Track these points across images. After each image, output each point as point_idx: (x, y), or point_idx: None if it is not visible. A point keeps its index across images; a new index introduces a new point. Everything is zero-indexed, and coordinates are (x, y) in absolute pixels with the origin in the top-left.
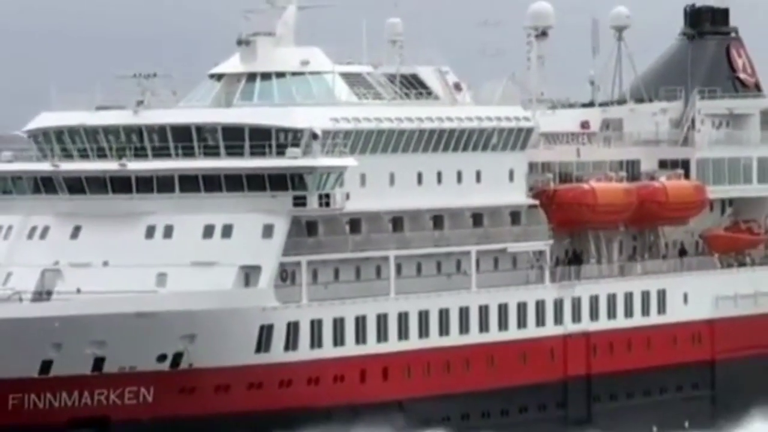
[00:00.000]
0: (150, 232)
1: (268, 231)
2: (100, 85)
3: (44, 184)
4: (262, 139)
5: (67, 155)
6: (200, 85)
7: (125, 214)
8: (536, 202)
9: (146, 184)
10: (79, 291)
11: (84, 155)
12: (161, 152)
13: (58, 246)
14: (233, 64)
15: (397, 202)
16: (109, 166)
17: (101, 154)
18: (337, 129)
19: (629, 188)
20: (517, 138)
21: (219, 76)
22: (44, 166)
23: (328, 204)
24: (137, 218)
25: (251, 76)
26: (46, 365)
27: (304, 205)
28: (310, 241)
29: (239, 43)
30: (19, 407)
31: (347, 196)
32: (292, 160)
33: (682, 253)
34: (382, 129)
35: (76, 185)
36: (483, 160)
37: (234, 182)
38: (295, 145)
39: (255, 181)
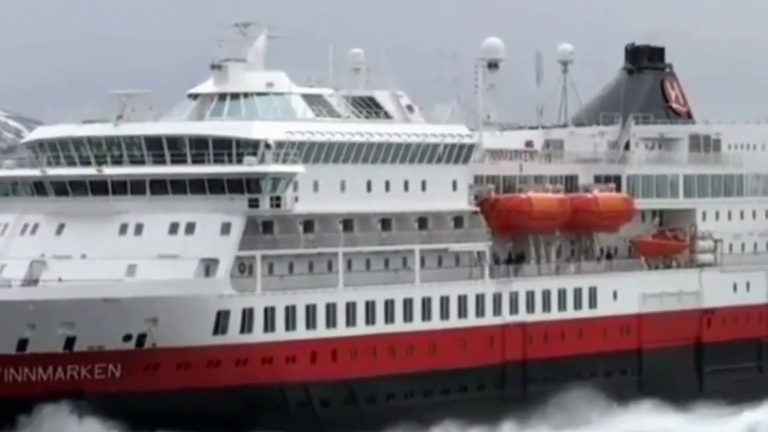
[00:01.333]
0: (123, 229)
1: (225, 228)
2: (92, 101)
3: (36, 188)
4: (223, 148)
5: (57, 163)
6: (179, 103)
7: (102, 214)
8: (477, 208)
9: (121, 187)
10: (60, 279)
11: (71, 162)
12: (136, 160)
13: (44, 241)
14: (207, 86)
15: (348, 206)
16: (88, 171)
17: (85, 162)
18: (290, 140)
19: (563, 198)
20: (460, 153)
21: (195, 96)
22: (35, 172)
23: (278, 205)
24: (112, 217)
25: (222, 96)
26: (23, 343)
27: (257, 206)
28: (266, 238)
29: (212, 67)
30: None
31: (296, 199)
32: (247, 167)
33: (609, 256)
34: (334, 141)
35: (61, 188)
36: (428, 171)
37: (197, 186)
38: (252, 154)
39: (215, 185)
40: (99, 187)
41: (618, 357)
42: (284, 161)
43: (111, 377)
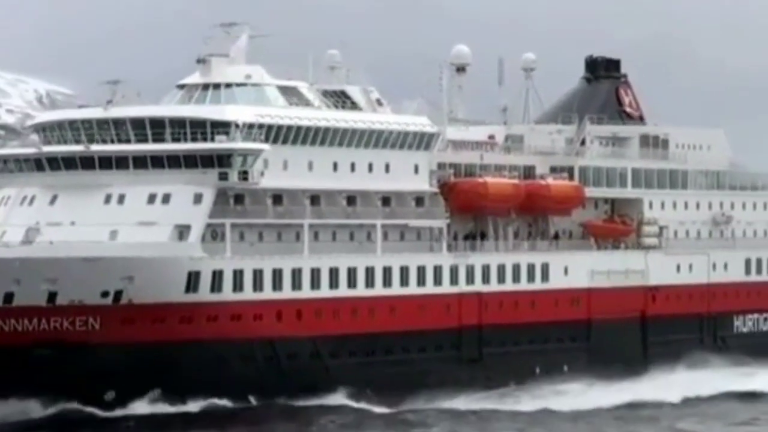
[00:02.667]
0: (107, 199)
1: (198, 198)
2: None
3: (36, 164)
4: (199, 128)
5: (57, 142)
6: (169, 93)
7: (89, 186)
8: (437, 190)
9: (106, 162)
10: (51, 243)
11: (68, 141)
12: (123, 139)
13: (39, 210)
14: (193, 78)
15: (315, 183)
16: (77, 148)
17: (79, 141)
18: (259, 122)
19: (518, 184)
20: (421, 141)
21: (182, 86)
22: (32, 150)
23: (246, 179)
24: (98, 189)
25: (205, 86)
26: (9, 297)
27: (226, 179)
28: (237, 209)
29: (198, 61)
30: None
31: (263, 174)
32: (217, 144)
33: (556, 237)
34: (301, 125)
35: (55, 164)
36: (392, 155)
37: (174, 161)
38: (224, 133)
39: (190, 160)
40: (87, 163)
41: (568, 326)
42: (252, 140)
43: (91, 329)
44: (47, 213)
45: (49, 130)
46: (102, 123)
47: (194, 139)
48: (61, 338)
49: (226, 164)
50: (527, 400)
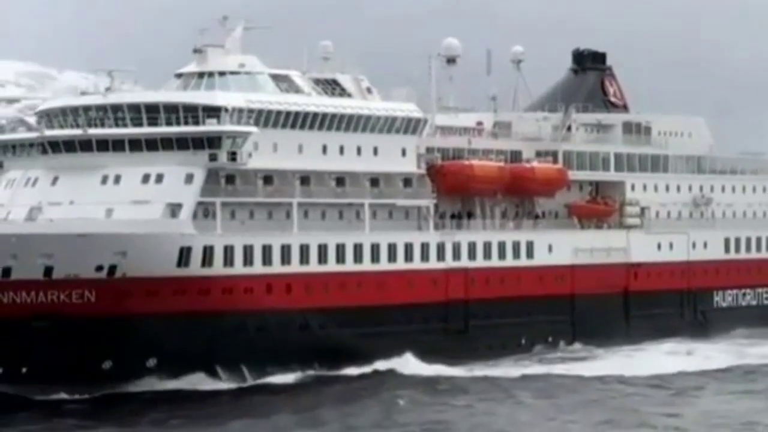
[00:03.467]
0: (104, 179)
1: (189, 178)
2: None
3: (39, 148)
4: (191, 112)
5: (59, 126)
6: (167, 82)
7: (87, 167)
8: (424, 172)
9: (103, 145)
10: (50, 221)
11: (70, 126)
12: (120, 123)
13: (42, 191)
14: (190, 67)
15: (304, 165)
16: (76, 132)
17: (80, 125)
18: (249, 107)
19: (503, 166)
20: (408, 125)
21: (180, 75)
22: (34, 134)
23: (234, 159)
24: (96, 170)
25: (201, 75)
26: (7, 271)
27: (216, 160)
28: (227, 189)
29: (195, 51)
30: None
31: (251, 155)
32: (207, 127)
33: (537, 217)
34: (291, 110)
35: (56, 147)
36: (380, 139)
37: (167, 143)
38: (215, 117)
39: (182, 143)
40: (85, 145)
41: (553, 300)
42: (241, 124)
43: (87, 301)
44: (49, 193)
45: (52, 116)
46: (101, 108)
47: (187, 123)
48: (59, 310)
49: (216, 146)
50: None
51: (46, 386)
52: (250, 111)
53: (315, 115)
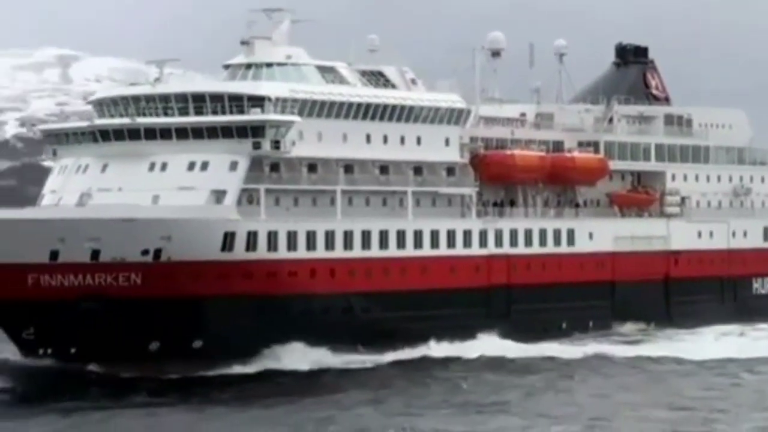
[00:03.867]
0: (152, 167)
1: (233, 166)
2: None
3: (90, 136)
4: (237, 102)
5: (111, 116)
6: (216, 72)
7: (136, 155)
8: (467, 161)
9: (151, 133)
10: (98, 207)
11: (120, 115)
12: (168, 112)
13: (92, 177)
14: (238, 59)
15: (348, 153)
16: (124, 121)
17: (131, 114)
18: (293, 97)
19: (544, 156)
20: (451, 116)
21: (227, 66)
22: (86, 124)
23: (278, 148)
24: (143, 157)
25: (248, 66)
26: (54, 254)
27: (260, 148)
28: (272, 176)
29: (242, 43)
30: (36, 284)
31: (294, 143)
32: (251, 116)
33: (577, 205)
34: (334, 100)
35: (106, 135)
36: (423, 129)
37: (212, 132)
38: (259, 106)
39: (226, 131)
40: (134, 134)
41: (593, 286)
42: (285, 113)
43: (133, 284)
44: (99, 179)
45: (104, 105)
46: (149, 98)
47: (232, 113)
48: (106, 292)
49: (260, 134)
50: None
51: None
52: (294, 101)
53: (359, 105)
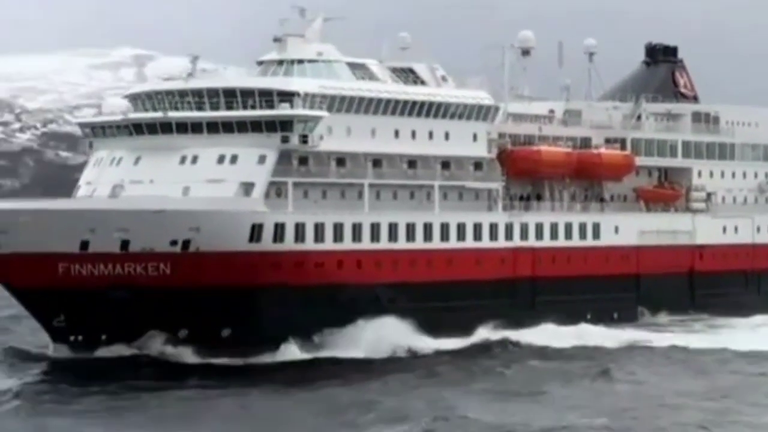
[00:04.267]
0: (183, 160)
1: (262, 159)
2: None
3: (124, 129)
4: (266, 97)
5: (146, 110)
6: (250, 68)
7: (167, 148)
8: (493, 156)
9: (182, 127)
10: (128, 198)
11: (155, 109)
12: (201, 106)
13: (125, 169)
14: (271, 55)
15: (377, 148)
16: (156, 115)
17: (164, 108)
18: (323, 93)
19: (570, 152)
20: (479, 112)
21: (260, 63)
22: (120, 117)
23: (305, 142)
24: (175, 151)
25: (280, 62)
26: (85, 244)
27: (288, 142)
28: (300, 170)
29: (275, 40)
30: (67, 273)
31: (321, 138)
32: (280, 111)
33: (602, 200)
34: (363, 96)
35: (139, 128)
36: (451, 124)
37: (241, 126)
38: (288, 101)
39: (255, 125)
40: (166, 128)
41: (618, 279)
42: (313, 108)
43: (162, 273)
44: (131, 172)
45: (139, 99)
46: (183, 93)
47: (262, 107)
48: (135, 282)
49: (288, 129)
50: None
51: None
52: (323, 96)
53: (387, 101)
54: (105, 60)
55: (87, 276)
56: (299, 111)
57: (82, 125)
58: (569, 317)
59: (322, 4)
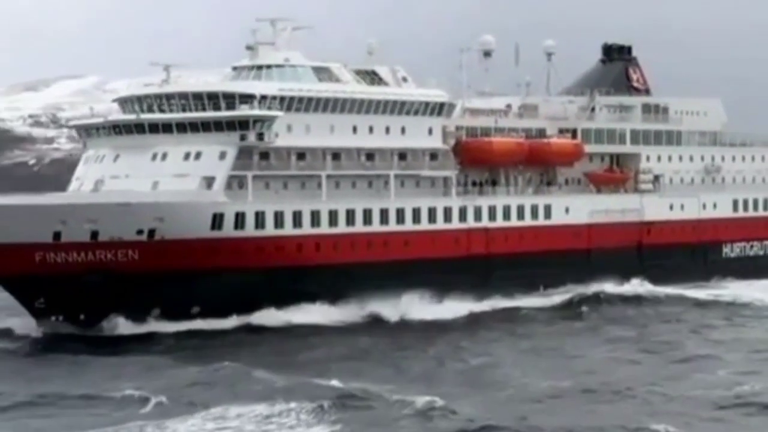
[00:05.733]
0: (154, 156)
1: (222, 155)
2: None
3: (107, 130)
4: (230, 99)
5: (129, 112)
6: (225, 73)
7: (142, 146)
8: (448, 147)
9: (154, 127)
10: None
11: (135, 111)
12: (174, 109)
13: (106, 166)
14: (244, 61)
15: (335, 142)
16: (131, 117)
17: (144, 110)
18: (281, 95)
19: (521, 141)
20: (434, 108)
21: (235, 68)
22: (101, 120)
23: (261, 139)
24: (148, 148)
25: (251, 68)
26: (57, 234)
27: (245, 139)
28: (262, 164)
29: (247, 48)
30: (43, 260)
31: (277, 135)
32: (238, 112)
33: (548, 184)
34: (321, 97)
35: (118, 129)
36: (407, 120)
37: (205, 126)
38: (247, 103)
39: (218, 125)
40: (140, 128)
41: (569, 253)
42: (271, 109)
43: (131, 259)
44: (111, 168)
45: (125, 103)
46: (158, 97)
47: (226, 109)
48: (107, 267)
49: (245, 128)
50: None
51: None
52: (282, 98)
53: (345, 100)
54: None
55: (62, 263)
56: (255, 111)
57: (76, 127)
58: (524, 289)
59: (291, 14)
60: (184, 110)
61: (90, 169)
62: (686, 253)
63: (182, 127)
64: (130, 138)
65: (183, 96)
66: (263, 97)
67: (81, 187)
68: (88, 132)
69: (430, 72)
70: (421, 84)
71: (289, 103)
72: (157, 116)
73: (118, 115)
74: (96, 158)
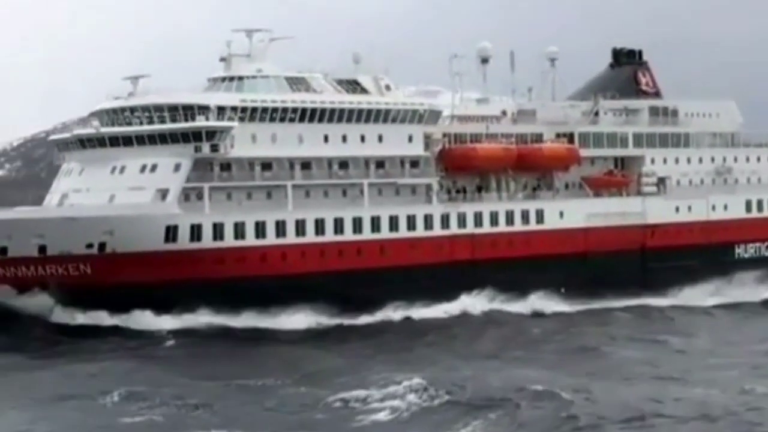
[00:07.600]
0: (113, 170)
1: (177, 167)
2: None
3: (78, 144)
4: (189, 111)
5: (104, 125)
6: (200, 85)
7: (103, 159)
8: (429, 154)
9: (115, 140)
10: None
11: (104, 124)
12: (139, 121)
13: (72, 180)
14: (217, 73)
15: (304, 152)
16: (91, 131)
17: (113, 124)
18: (242, 106)
19: (509, 147)
20: (413, 116)
21: (210, 79)
22: (67, 135)
23: (216, 150)
24: (109, 162)
25: (224, 79)
26: (3, 249)
27: (200, 151)
28: (223, 175)
29: (221, 60)
30: None
31: (232, 146)
32: (191, 123)
33: (535, 189)
34: (287, 107)
35: (83, 143)
36: (385, 128)
37: (162, 138)
38: (204, 114)
39: (174, 137)
40: (102, 142)
41: (565, 257)
42: (228, 120)
43: (83, 273)
44: (76, 182)
45: (98, 116)
46: (123, 110)
47: (185, 121)
48: (58, 282)
49: (199, 139)
50: None
51: None
52: (244, 108)
53: (313, 110)
54: None
55: (11, 278)
56: (207, 123)
57: (55, 141)
58: (515, 294)
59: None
60: (149, 122)
61: (60, 183)
62: (694, 255)
63: (141, 139)
64: (93, 152)
65: (145, 109)
66: (221, 108)
67: (50, 202)
68: (65, 146)
69: (440, 81)
70: (416, 92)
71: (251, 114)
72: (116, 129)
73: (84, 129)
74: (67, 172)
